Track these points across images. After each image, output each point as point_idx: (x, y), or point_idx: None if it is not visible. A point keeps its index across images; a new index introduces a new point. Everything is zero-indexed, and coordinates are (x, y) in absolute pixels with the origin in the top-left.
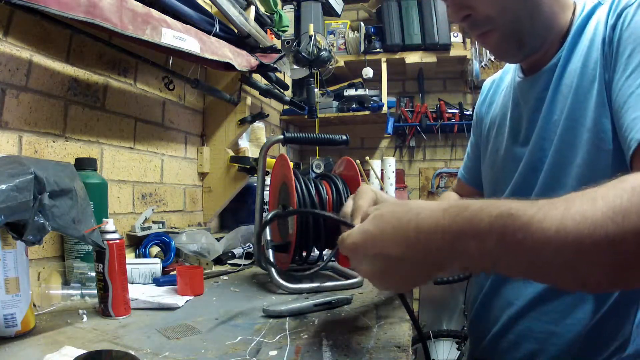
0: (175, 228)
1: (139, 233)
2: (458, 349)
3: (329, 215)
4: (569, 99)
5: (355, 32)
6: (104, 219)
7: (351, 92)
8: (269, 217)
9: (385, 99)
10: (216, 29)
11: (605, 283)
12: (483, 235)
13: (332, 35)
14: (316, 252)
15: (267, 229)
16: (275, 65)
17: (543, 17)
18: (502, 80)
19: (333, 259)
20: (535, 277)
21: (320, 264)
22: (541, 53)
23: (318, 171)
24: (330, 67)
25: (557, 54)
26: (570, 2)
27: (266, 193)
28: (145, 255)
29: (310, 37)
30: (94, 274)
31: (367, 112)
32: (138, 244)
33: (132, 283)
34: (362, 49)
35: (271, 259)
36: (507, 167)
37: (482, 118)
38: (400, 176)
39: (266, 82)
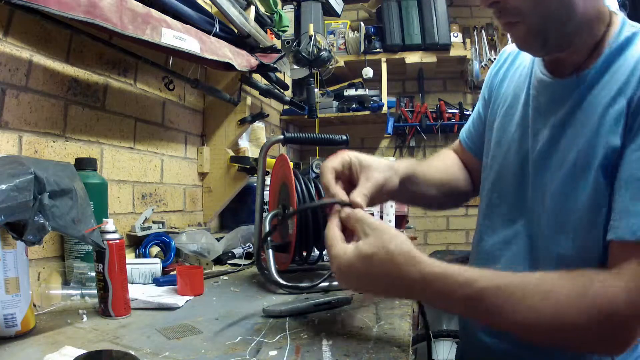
0: (175, 228)
1: (139, 233)
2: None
3: (324, 202)
4: (579, 141)
5: (355, 32)
6: (104, 219)
7: (351, 92)
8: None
9: (385, 99)
10: (216, 29)
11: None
12: (452, 304)
13: (332, 35)
14: (316, 252)
15: (267, 229)
16: (275, 65)
17: (575, 20)
18: (518, 54)
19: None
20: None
21: (320, 264)
22: (567, 53)
23: (318, 171)
24: (330, 67)
25: (584, 69)
26: (605, 12)
27: (266, 193)
28: (145, 255)
29: (310, 37)
30: (94, 274)
31: (367, 112)
32: (138, 244)
33: (132, 283)
34: (362, 49)
35: (271, 260)
36: (510, 159)
37: (493, 89)
38: None
39: (266, 82)
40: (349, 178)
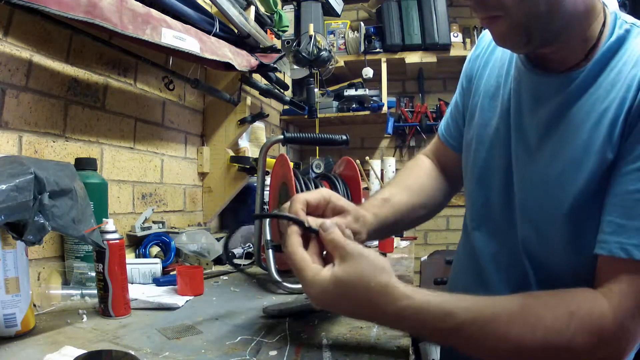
0: (175, 228)
1: (139, 233)
2: None
3: (296, 220)
4: (568, 148)
5: (355, 32)
6: (104, 219)
7: (351, 92)
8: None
9: (385, 99)
10: (216, 29)
11: None
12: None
13: (332, 35)
14: None
15: (267, 229)
16: (275, 65)
17: (563, 17)
18: None
19: None
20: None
21: None
22: (552, 49)
23: (318, 171)
24: (330, 67)
25: (575, 68)
26: (597, 7)
27: (266, 193)
28: (145, 255)
29: (310, 37)
30: (94, 274)
31: (367, 112)
32: (138, 244)
33: (132, 283)
34: (362, 49)
35: (271, 260)
36: (495, 158)
37: (474, 76)
38: None
39: (266, 82)
40: (320, 215)
